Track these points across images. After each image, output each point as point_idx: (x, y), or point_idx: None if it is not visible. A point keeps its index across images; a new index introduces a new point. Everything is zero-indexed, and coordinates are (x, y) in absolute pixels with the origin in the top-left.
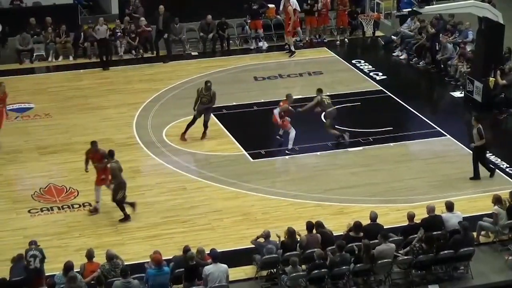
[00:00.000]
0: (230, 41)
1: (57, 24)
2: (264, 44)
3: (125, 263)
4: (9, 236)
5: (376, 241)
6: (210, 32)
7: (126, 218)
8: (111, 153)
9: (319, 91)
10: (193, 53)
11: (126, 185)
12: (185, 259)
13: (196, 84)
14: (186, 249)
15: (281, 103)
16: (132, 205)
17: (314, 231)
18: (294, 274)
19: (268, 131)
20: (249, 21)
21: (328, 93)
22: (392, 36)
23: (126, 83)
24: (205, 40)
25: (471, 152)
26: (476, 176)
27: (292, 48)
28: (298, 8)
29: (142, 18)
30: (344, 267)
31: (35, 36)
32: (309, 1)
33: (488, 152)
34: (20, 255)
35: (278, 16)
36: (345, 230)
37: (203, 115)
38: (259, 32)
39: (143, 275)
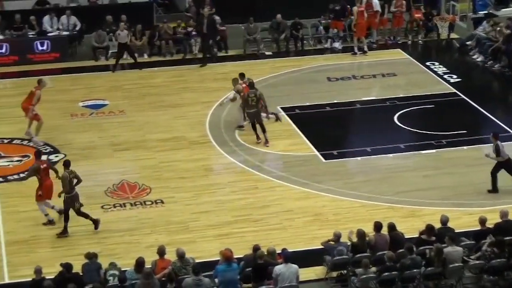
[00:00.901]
0: (304, 41)
1: (133, 21)
2: (339, 45)
3: (196, 261)
4: (82, 231)
5: (445, 245)
6: (281, 32)
7: (96, 222)
8: (66, 163)
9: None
10: (267, 53)
11: (79, 196)
12: (254, 258)
13: (270, 84)
14: (256, 248)
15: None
16: (95, 222)
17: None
18: (365, 276)
19: (341, 132)
20: (323, 21)
21: (401, 95)
22: (468, 39)
23: (200, 82)
24: (277, 40)
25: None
26: (494, 190)
27: (355, 50)
28: (379, 9)
29: (217, 17)
30: (415, 270)
31: (111, 34)
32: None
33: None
34: (92, 254)
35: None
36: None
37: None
38: (338, 33)
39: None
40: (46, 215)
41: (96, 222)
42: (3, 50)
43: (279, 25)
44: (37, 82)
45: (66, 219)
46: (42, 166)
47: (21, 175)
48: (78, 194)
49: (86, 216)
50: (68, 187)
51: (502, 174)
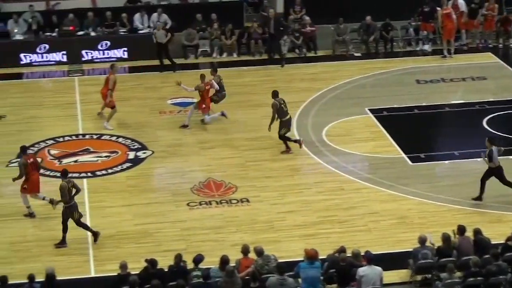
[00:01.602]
0: (394, 43)
1: (223, 20)
2: (428, 47)
3: (279, 261)
4: (168, 227)
5: None
6: (370, 34)
7: (95, 235)
8: (63, 172)
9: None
10: (356, 54)
11: (78, 206)
12: (338, 260)
13: (358, 85)
14: (341, 250)
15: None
16: (95, 234)
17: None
18: (449, 281)
19: (429, 134)
20: (413, 23)
21: (491, 99)
22: None
23: (288, 82)
24: (366, 41)
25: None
26: (479, 198)
27: (445, 52)
28: (465, 9)
29: (307, 18)
30: (500, 277)
31: (201, 32)
32: (472, 5)
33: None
34: (179, 255)
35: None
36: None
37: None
38: (428, 35)
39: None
40: (28, 207)
41: (96, 235)
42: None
43: (368, 27)
44: (110, 67)
45: (65, 230)
46: (29, 161)
47: (109, 170)
48: (77, 204)
49: (86, 227)
50: (67, 197)
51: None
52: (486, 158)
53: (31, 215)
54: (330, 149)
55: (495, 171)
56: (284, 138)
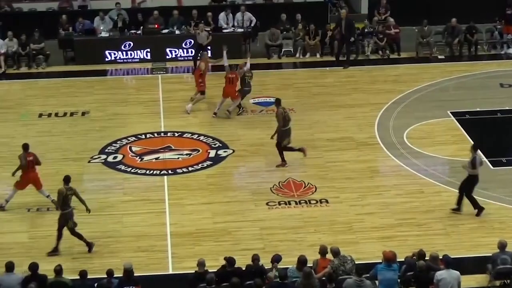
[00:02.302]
0: (478, 46)
1: (307, 21)
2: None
3: (357, 262)
4: (248, 226)
5: None
6: (455, 36)
7: (90, 246)
8: (65, 179)
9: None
10: (439, 57)
11: (73, 215)
12: (417, 267)
13: (441, 88)
14: (421, 254)
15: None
16: (89, 245)
17: None
18: None
19: (511, 139)
20: (499, 26)
21: None
22: None
23: (371, 83)
24: (450, 44)
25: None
26: (458, 208)
27: None
28: None
29: (391, 19)
30: None
31: (285, 32)
32: None
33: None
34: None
35: None
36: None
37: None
38: (511, 37)
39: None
40: (7, 201)
41: (90, 246)
42: (187, 46)
43: (453, 29)
44: (200, 55)
45: (59, 237)
46: (28, 158)
47: (190, 168)
48: (73, 213)
49: (80, 237)
50: (61, 203)
51: None
52: (469, 166)
53: (1, 207)
54: (411, 152)
55: (474, 180)
56: (286, 148)
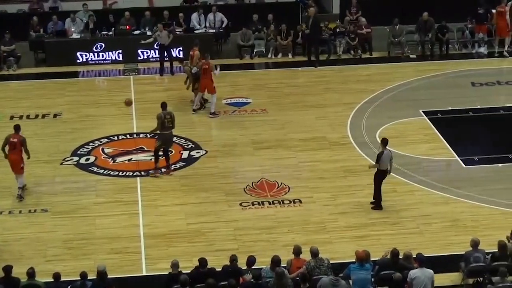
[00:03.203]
0: (449, 45)
1: (279, 21)
2: (484, 49)
3: (331, 262)
4: (221, 227)
5: None
6: (427, 31)
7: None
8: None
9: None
10: (411, 56)
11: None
12: (392, 262)
13: (412, 87)
14: (394, 253)
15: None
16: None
17: None
18: (502, 285)
19: (483, 137)
20: (470, 25)
21: None
22: None
23: (343, 83)
24: (423, 42)
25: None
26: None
27: (505, 53)
28: None
29: (363, 19)
30: None
31: (257, 33)
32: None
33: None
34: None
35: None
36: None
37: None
38: (482, 37)
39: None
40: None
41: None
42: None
43: (425, 24)
44: (195, 44)
45: (156, 160)
46: (11, 139)
47: (162, 169)
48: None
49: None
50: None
51: None
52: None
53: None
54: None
55: (384, 174)
56: (156, 153)
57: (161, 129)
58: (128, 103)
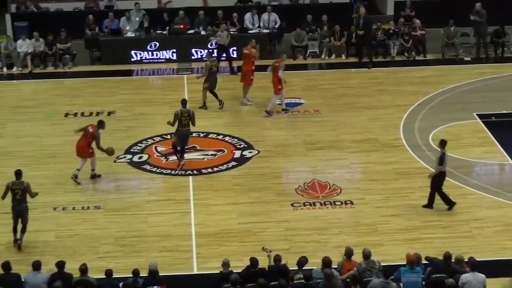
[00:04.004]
0: (505, 48)
1: (333, 22)
2: None
3: (382, 264)
4: (272, 227)
5: None
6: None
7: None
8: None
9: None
10: (465, 58)
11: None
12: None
13: (467, 90)
14: (446, 256)
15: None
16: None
17: None
18: None
19: None
20: None
21: None
22: None
23: (397, 85)
24: (479, 45)
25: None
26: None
27: None
28: None
29: (417, 21)
30: None
31: (310, 33)
32: None
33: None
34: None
35: None
36: None
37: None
38: None
39: None
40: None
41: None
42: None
43: (478, 13)
44: (249, 43)
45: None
46: (89, 128)
47: (215, 169)
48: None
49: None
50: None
51: None
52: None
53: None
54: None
55: (443, 177)
56: (174, 147)
57: (178, 126)
58: (110, 152)
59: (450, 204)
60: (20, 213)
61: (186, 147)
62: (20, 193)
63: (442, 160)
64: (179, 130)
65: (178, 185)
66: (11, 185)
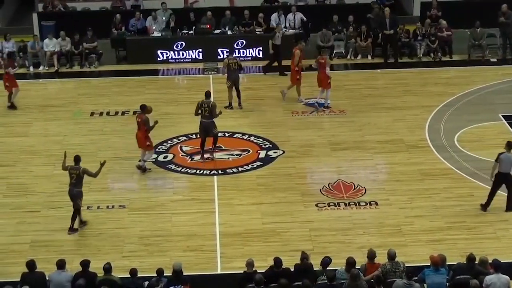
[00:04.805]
0: None
1: (359, 22)
2: None
3: (406, 265)
4: (297, 227)
5: None
6: (507, 19)
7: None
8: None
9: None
10: (492, 59)
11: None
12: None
13: (493, 91)
14: (470, 258)
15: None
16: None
17: None
18: None
19: None
20: None
21: None
22: None
23: (422, 85)
24: (505, 46)
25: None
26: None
27: None
28: None
29: (443, 22)
30: None
31: (336, 34)
32: None
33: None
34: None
35: None
36: None
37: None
38: None
39: None
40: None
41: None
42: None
43: (504, 15)
44: (299, 43)
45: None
46: (137, 119)
47: (240, 168)
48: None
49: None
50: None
51: None
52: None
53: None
54: (462, 155)
55: (503, 177)
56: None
57: (201, 117)
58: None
59: (486, 206)
60: (71, 197)
61: (210, 139)
62: (75, 177)
63: (497, 157)
64: (201, 121)
65: (203, 184)
66: (69, 169)
